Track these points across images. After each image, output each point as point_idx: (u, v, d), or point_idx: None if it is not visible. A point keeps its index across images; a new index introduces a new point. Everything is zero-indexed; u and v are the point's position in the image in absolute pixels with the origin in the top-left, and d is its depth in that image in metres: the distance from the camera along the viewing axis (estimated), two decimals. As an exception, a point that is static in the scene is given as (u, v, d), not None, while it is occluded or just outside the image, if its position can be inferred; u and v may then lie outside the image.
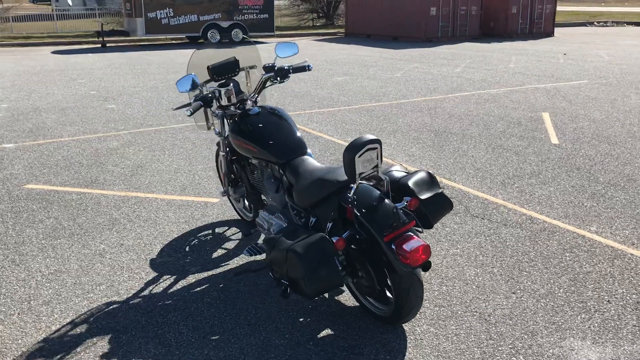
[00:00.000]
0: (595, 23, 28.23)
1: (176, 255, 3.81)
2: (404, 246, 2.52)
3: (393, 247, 2.54)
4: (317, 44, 19.85)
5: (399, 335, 2.89)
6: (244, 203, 4.19)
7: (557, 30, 23.72)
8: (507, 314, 3.04)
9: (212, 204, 4.70)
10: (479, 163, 5.64)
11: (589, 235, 3.98)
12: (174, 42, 21.28)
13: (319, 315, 3.08)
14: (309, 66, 3.69)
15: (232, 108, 3.54)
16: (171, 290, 3.38)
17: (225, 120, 3.72)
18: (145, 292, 3.34)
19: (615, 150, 6.00)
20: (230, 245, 3.95)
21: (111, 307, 3.20)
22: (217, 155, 4.26)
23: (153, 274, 3.56)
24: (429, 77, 11.30)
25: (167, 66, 13.82)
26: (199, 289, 3.38)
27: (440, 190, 2.87)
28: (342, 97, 9.30)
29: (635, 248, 3.78)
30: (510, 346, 2.78)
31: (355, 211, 2.66)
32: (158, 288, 3.38)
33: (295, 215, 3.22)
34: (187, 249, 3.89)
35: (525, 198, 4.68)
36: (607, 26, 27.60)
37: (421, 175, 2.87)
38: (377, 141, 2.62)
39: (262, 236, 3.97)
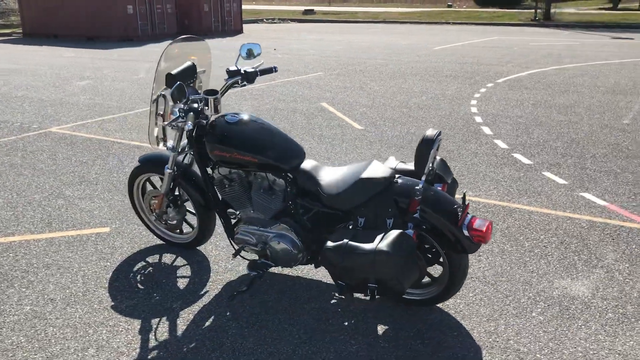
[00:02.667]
0: (264, 20, 30.82)
1: (138, 296, 3.39)
2: (475, 226, 2.83)
3: (465, 230, 2.83)
4: None
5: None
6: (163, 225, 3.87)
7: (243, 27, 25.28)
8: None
9: (106, 234, 4.18)
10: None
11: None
12: None
13: (366, 316, 3.19)
14: (275, 68, 3.63)
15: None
16: (174, 338, 3.03)
17: (182, 134, 3.42)
18: (143, 350, 2.94)
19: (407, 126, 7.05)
20: (186, 271, 3.67)
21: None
22: (133, 180, 3.85)
23: (134, 325, 3.11)
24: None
25: None
26: (208, 324, 3.13)
27: (452, 174, 3.25)
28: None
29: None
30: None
31: (422, 204, 2.86)
32: (152, 341, 2.99)
33: (306, 220, 3.21)
34: (139, 286, 3.48)
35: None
36: (275, 23, 30.41)
37: (441, 162, 3.19)
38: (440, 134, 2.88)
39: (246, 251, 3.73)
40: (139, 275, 3.59)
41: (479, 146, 6.34)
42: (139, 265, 3.73)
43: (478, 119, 7.56)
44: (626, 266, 3.64)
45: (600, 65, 12.29)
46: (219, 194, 3.49)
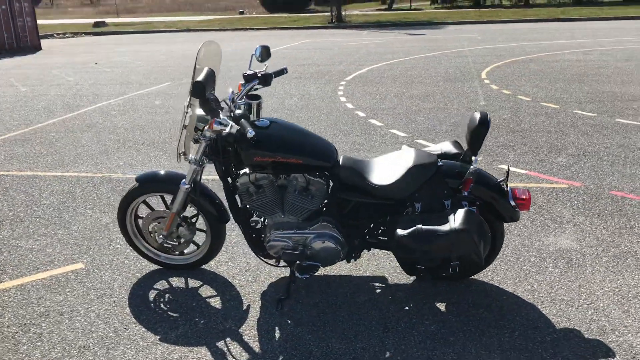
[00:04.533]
0: (55, 35, 28.54)
1: (180, 324, 3.20)
2: (519, 196, 3.19)
3: (511, 201, 3.18)
4: None
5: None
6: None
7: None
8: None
9: (84, 270, 3.82)
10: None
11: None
12: None
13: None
14: (285, 69, 3.61)
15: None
16: (256, 356, 2.97)
17: (206, 146, 3.28)
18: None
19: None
20: (208, 290, 3.51)
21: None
22: (128, 204, 3.57)
23: (203, 352, 2.96)
24: None
25: None
26: (278, 336, 3.09)
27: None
28: None
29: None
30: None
31: (475, 182, 3.13)
32: None
33: (346, 215, 3.30)
34: (172, 314, 3.28)
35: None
36: (67, 37, 28.32)
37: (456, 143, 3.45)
38: None
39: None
40: (160, 304, 3.36)
41: (381, 137, 6.76)
42: (152, 294, 3.47)
43: (361, 114, 8.01)
44: (583, 219, 4.27)
45: (420, 58, 13.62)
46: (239, 204, 3.38)
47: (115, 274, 3.70)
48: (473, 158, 3.11)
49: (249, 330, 3.07)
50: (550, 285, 3.38)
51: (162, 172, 3.55)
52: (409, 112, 7.90)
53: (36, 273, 3.76)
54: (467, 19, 25.89)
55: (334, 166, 3.20)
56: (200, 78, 3.05)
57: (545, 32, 18.66)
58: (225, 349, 2.93)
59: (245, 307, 3.29)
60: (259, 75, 3.36)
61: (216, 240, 3.57)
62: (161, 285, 3.56)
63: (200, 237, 3.67)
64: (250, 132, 2.90)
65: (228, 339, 3.01)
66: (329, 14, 28.71)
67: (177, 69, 13.05)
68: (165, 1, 52.81)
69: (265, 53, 3.37)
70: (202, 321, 3.17)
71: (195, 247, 3.69)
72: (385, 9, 38.09)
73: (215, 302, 3.35)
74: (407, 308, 3.23)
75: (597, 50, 13.75)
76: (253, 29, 26.29)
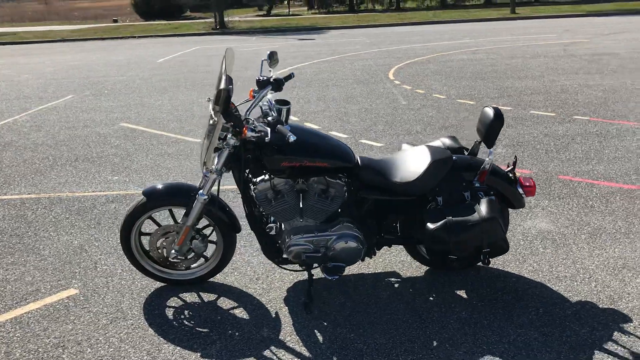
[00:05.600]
0: None
1: (213, 339, 3.15)
2: (525, 184, 3.46)
3: (519, 188, 3.43)
4: None
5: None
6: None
7: None
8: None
9: (82, 295, 3.62)
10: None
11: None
12: None
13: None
14: (292, 74, 3.61)
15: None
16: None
17: (229, 153, 3.23)
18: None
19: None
20: (227, 302, 3.47)
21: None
22: (134, 220, 3.42)
23: None
24: None
25: None
26: (322, 339, 3.13)
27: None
28: None
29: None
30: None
31: (490, 174, 3.35)
32: None
33: (365, 214, 3.39)
34: (201, 330, 3.21)
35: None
36: None
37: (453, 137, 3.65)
38: None
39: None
40: (184, 321, 3.26)
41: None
42: (169, 312, 3.37)
43: (293, 117, 8.05)
44: (547, 202, 4.66)
45: (323, 62, 13.82)
46: (256, 211, 3.35)
47: (118, 296, 3.51)
48: (488, 150, 3.30)
49: (290, 337, 3.06)
50: (549, 265, 3.67)
51: (170, 184, 3.43)
52: (340, 114, 8.08)
53: (26, 304, 3.48)
54: (347, 24, 26.67)
55: (355, 167, 3.26)
56: (223, 86, 2.99)
57: (427, 35, 19.71)
58: (274, 358, 2.89)
59: (274, 315, 3.26)
60: (272, 80, 3.34)
61: (228, 251, 3.51)
62: (174, 302, 3.44)
63: (207, 250, 3.58)
64: (292, 137, 2.89)
65: (273, 348, 2.98)
66: (212, 20, 28.35)
67: (75, 80, 12.33)
68: (26, 11, 49.35)
69: (274, 58, 3.36)
70: (237, 333, 3.12)
71: (203, 261, 3.59)
72: (264, 15, 38.25)
73: (241, 313, 3.29)
74: (431, 299, 3.36)
75: (482, 49, 14.78)
76: (134, 37, 25.35)
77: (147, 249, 3.53)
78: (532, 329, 3.04)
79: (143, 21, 37.30)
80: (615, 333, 2.95)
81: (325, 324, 3.17)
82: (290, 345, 2.99)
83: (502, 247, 3.20)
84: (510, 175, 3.40)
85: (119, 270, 3.83)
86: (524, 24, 22.67)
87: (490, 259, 3.26)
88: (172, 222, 3.48)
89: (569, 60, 12.14)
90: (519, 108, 8.01)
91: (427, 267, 3.67)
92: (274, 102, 3.23)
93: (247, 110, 3.23)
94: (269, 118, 3.10)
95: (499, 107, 7.95)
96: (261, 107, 3.21)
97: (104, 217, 4.71)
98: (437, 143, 3.53)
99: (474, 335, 3.00)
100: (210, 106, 3.18)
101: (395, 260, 3.80)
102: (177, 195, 3.36)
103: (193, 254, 3.49)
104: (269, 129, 2.99)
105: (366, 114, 8.01)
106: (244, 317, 3.26)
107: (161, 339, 3.09)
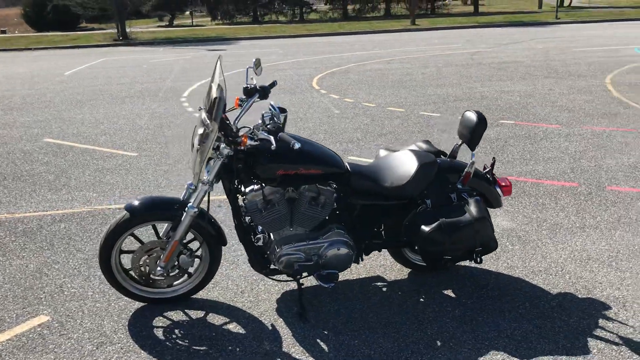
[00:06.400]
0: None
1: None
2: (501, 183, 3.62)
3: (497, 188, 3.60)
4: None
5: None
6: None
7: None
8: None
9: (56, 322, 3.40)
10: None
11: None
12: None
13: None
14: (275, 82, 3.56)
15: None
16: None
17: (222, 164, 3.16)
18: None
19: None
20: (219, 318, 3.36)
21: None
22: (116, 238, 3.26)
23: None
24: None
25: None
26: (327, 349, 3.12)
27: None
28: None
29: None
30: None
31: (473, 175, 3.48)
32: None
33: (355, 219, 3.42)
34: (200, 349, 3.10)
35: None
36: None
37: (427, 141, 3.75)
38: None
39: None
40: (177, 340, 3.13)
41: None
42: (158, 332, 3.21)
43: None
44: (506, 198, 4.88)
45: (243, 73, 13.59)
46: (244, 222, 3.29)
47: (97, 320, 3.31)
48: (471, 153, 3.42)
49: (294, 348, 3.02)
50: (521, 260, 3.85)
51: (152, 198, 3.29)
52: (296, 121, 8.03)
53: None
54: (256, 35, 26.65)
55: (345, 172, 3.27)
56: (217, 95, 2.93)
57: (337, 45, 20.08)
58: (287, 368, 2.83)
59: (270, 327, 3.20)
60: (258, 88, 3.29)
61: (214, 266, 3.41)
62: (160, 321, 3.29)
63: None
64: (297, 144, 2.86)
65: (279, 360, 2.91)
66: (113, 31, 27.35)
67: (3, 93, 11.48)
68: None
69: (259, 66, 3.32)
70: (237, 349, 3.03)
71: (186, 277, 3.45)
72: (166, 26, 37.39)
73: (235, 328, 3.21)
74: (421, 300, 3.43)
75: (395, 59, 15.27)
76: (30, 49, 23.97)
77: (126, 267, 3.35)
78: (525, 322, 3.17)
79: (35, 32, 35.37)
80: (600, 320, 3.14)
81: (325, 332, 3.14)
82: (297, 357, 2.94)
83: (491, 246, 3.31)
84: (488, 176, 3.53)
85: (90, 292, 3.61)
86: (425, 34, 23.62)
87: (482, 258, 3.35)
88: (153, 239, 3.32)
89: (479, 68, 12.79)
90: (448, 114, 8.33)
91: (409, 270, 3.72)
92: (277, 109, 3.17)
93: (237, 118, 3.16)
94: (268, 126, 3.04)
95: (428, 113, 8.26)
96: (263, 115, 3.15)
97: (56, 238, 4.42)
98: (414, 147, 3.60)
99: (473, 332, 3.08)
100: (203, 115, 3.08)
101: (376, 265, 3.84)
102: (162, 209, 3.22)
103: (177, 270, 3.35)
104: (272, 137, 2.93)
105: (303, 124, 8.03)
106: (240, 331, 3.17)
107: (157, 360, 2.93)
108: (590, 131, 7.10)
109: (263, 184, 3.17)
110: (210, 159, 3.08)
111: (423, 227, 3.19)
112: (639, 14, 29.36)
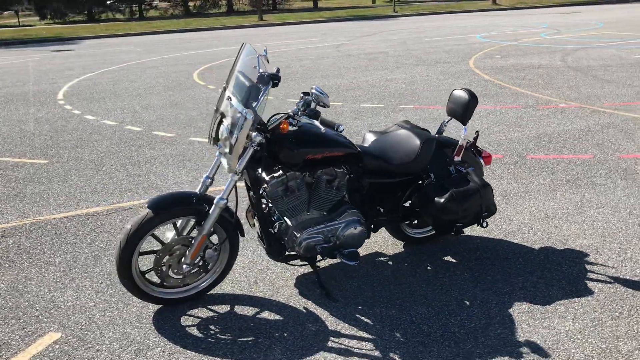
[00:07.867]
0: None
1: (260, 350, 3.06)
2: (483, 155, 3.99)
3: (480, 159, 3.96)
4: None
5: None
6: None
7: None
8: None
9: (70, 338, 3.18)
10: None
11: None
12: None
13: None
14: (278, 69, 3.55)
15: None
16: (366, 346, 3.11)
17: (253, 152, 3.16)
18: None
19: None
20: (249, 310, 3.35)
21: None
22: (138, 239, 3.12)
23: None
24: None
25: None
26: (366, 334, 3.24)
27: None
28: None
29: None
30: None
31: (466, 148, 3.79)
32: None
33: (364, 196, 3.58)
34: (245, 342, 3.09)
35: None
36: None
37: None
38: None
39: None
40: (218, 335, 3.08)
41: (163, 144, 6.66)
42: (192, 331, 3.14)
43: (110, 122, 7.58)
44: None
45: (116, 71, 12.87)
46: (266, 210, 3.32)
47: (118, 328, 3.14)
48: (463, 128, 3.72)
49: (339, 325, 3.11)
50: (495, 225, 4.26)
51: (173, 193, 3.21)
52: (188, 120, 7.86)
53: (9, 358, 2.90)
54: (98, 34, 25.21)
55: (358, 153, 3.41)
56: (251, 83, 2.94)
57: (195, 42, 19.70)
58: (341, 347, 2.91)
59: (304, 310, 3.26)
60: (271, 75, 3.30)
61: (232, 259, 3.38)
62: (189, 320, 3.20)
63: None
64: (341, 126, 2.95)
65: (334, 339, 2.99)
66: None
67: None
68: None
69: (266, 55, 3.34)
70: (285, 334, 3.06)
71: (203, 274, 3.37)
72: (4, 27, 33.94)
73: (270, 316, 3.22)
74: (429, 268, 3.68)
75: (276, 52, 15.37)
76: None
77: (143, 270, 3.21)
78: (528, 275, 3.53)
79: None
80: (587, 265, 3.60)
81: (359, 307, 3.25)
82: (348, 333, 3.02)
83: (492, 210, 3.63)
84: (473, 149, 3.85)
85: (91, 303, 3.39)
86: (275, 30, 23.96)
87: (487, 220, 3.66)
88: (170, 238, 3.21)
89: (351, 60, 13.36)
90: (349, 102, 8.67)
91: (404, 243, 3.94)
92: (321, 92, 3.18)
93: (256, 106, 3.15)
94: (306, 111, 3.08)
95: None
96: (304, 98, 3.16)
97: (12, 254, 4.02)
98: (403, 126, 3.81)
99: (491, 290, 3.39)
100: (228, 93, 3.03)
101: (369, 242, 3.95)
102: (185, 203, 3.12)
103: (197, 268, 3.26)
104: (315, 122, 2.97)
105: (209, 118, 7.90)
106: (277, 318, 3.18)
107: (211, 358, 2.86)
108: (485, 110, 7.82)
109: (283, 171, 3.18)
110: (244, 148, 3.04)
111: (437, 198, 3.41)
112: (462, 7, 32.29)
